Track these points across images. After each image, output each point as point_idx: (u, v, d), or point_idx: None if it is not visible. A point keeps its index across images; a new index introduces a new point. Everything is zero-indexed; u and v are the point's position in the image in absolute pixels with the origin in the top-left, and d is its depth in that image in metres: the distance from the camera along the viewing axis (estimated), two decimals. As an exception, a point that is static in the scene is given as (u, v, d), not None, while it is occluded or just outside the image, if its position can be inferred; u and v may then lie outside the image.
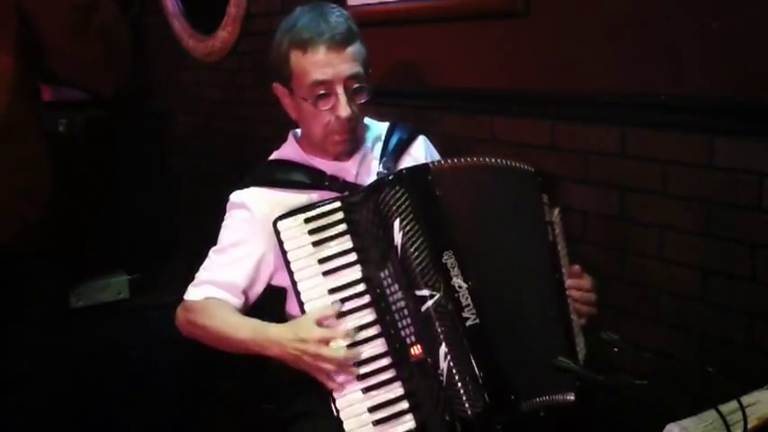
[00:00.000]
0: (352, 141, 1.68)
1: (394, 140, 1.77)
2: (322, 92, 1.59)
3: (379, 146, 1.77)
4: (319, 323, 1.46)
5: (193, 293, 1.65)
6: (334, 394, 1.45)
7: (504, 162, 1.58)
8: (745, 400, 1.16)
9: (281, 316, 1.71)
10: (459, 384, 1.39)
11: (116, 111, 3.18)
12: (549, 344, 1.49)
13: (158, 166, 3.45)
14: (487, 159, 1.57)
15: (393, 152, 1.75)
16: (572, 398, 1.47)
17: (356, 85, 1.61)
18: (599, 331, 1.60)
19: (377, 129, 1.81)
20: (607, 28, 1.81)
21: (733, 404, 1.15)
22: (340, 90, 1.59)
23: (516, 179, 1.60)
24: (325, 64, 1.57)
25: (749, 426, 1.12)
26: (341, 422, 1.44)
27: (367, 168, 1.72)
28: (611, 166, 1.84)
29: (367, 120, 1.77)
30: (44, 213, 1.47)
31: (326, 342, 1.44)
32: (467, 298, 1.42)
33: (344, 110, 1.59)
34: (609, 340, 1.47)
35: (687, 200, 1.70)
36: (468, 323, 1.41)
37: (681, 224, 1.72)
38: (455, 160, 1.55)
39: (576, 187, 1.92)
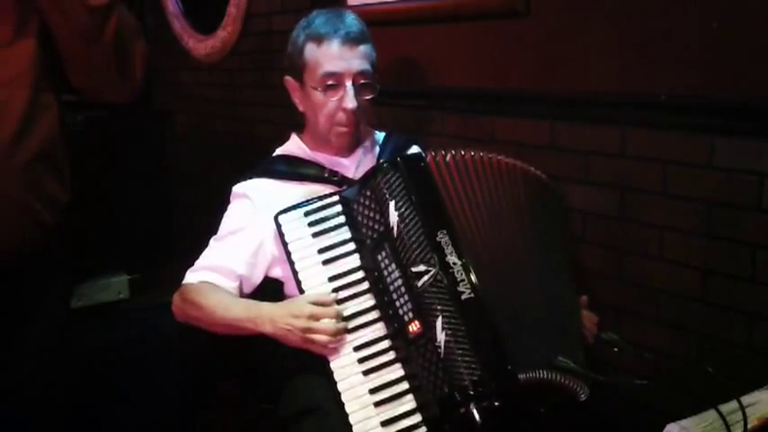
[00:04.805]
0: (355, 134, 1.76)
1: (391, 145, 1.86)
2: (331, 83, 1.68)
3: (377, 149, 1.86)
4: (312, 303, 1.53)
5: (190, 278, 1.71)
6: (331, 365, 1.50)
7: (531, 168, 1.67)
8: (745, 400, 1.16)
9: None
10: (457, 354, 1.42)
11: (116, 111, 3.18)
12: (556, 336, 1.52)
13: (158, 166, 3.45)
14: (508, 159, 1.65)
15: (390, 154, 1.82)
16: (583, 393, 1.48)
17: (364, 81, 1.70)
18: (599, 331, 1.61)
19: (375, 135, 1.89)
20: (607, 28, 1.81)
21: (733, 404, 1.15)
22: (348, 83, 1.68)
23: (541, 185, 1.69)
24: (338, 57, 1.67)
25: (749, 426, 1.12)
26: (342, 402, 1.47)
27: (365, 167, 1.77)
28: (611, 166, 1.84)
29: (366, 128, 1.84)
30: (60, 218, 1.47)
31: (317, 319, 1.50)
32: (461, 274, 1.46)
33: (351, 102, 1.68)
34: (609, 340, 1.47)
35: (687, 200, 1.70)
36: (464, 297, 1.45)
37: (681, 224, 1.72)
38: (462, 152, 1.60)
39: (576, 187, 1.92)
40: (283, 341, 1.55)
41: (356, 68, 1.68)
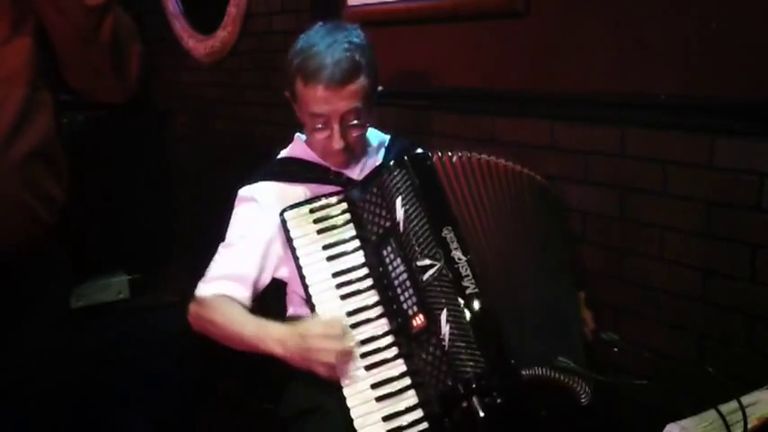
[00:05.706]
0: (349, 160, 1.76)
1: (396, 148, 1.86)
2: (319, 125, 1.66)
3: (382, 152, 1.85)
4: (324, 326, 1.50)
5: (204, 289, 1.69)
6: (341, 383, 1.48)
7: (537, 177, 1.69)
8: (745, 400, 1.16)
9: (282, 311, 1.74)
10: (460, 347, 1.42)
11: (116, 111, 3.18)
12: (556, 337, 1.53)
13: (158, 166, 3.46)
14: (515, 165, 1.66)
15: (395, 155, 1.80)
16: (585, 395, 1.48)
17: (353, 121, 1.66)
18: (599, 331, 1.61)
19: (380, 137, 1.88)
20: (607, 28, 1.81)
21: (733, 404, 1.15)
22: (335, 125, 1.65)
23: (542, 189, 1.70)
24: (323, 101, 1.63)
25: (749, 426, 1.12)
26: (347, 407, 1.46)
27: (369, 170, 1.75)
28: (611, 166, 1.84)
29: (371, 130, 1.83)
30: (57, 216, 1.46)
31: (327, 341, 1.47)
32: (466, 269, 1.47)
33: (338, 143, 1.67)
34: (609, 340, 1.47)
35: (687, 200, 1.70)
36: (468, 291, 1.46)
37: (681, 224, 1.72)
38: (468, 154, 1.62)
39: (576, 187, 1.92)
40: (294, 364, 1.52)
41: (342, 110, 1.63)
